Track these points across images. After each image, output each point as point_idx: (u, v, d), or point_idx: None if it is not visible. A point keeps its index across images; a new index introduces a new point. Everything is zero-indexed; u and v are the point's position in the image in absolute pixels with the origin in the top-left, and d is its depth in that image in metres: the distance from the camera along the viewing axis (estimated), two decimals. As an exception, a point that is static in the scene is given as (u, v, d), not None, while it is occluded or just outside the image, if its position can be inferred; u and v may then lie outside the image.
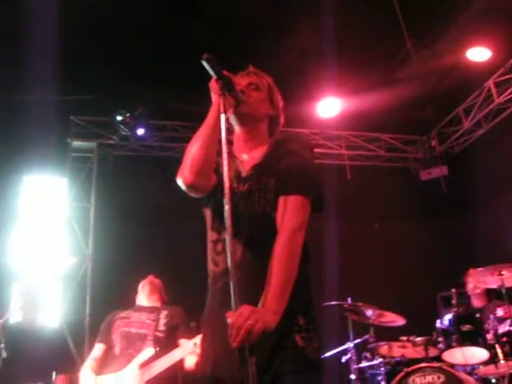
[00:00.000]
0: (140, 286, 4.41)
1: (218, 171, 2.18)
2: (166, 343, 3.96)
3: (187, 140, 2.19)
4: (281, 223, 2.04)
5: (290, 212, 2.05)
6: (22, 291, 4.67)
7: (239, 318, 1.76)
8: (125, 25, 6.00)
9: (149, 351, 3.81)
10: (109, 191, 7.35)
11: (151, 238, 6.85)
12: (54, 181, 7.44)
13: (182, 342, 3.95)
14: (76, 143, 7.65)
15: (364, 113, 7.71)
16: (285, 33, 6.25)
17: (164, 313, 4.15)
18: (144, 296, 4.32)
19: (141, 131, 7.33)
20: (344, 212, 6.93)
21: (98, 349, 4.09)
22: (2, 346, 3.56)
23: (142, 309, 4.22)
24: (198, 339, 3.59)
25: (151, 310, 4.20)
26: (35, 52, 5.68)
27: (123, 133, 7.33)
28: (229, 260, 1.82)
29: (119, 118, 7.11)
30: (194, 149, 2.10)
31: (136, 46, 6.22)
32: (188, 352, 3.74)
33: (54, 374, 4.55)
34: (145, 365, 3.76)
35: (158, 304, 4.31)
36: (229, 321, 1.77)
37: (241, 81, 2.27)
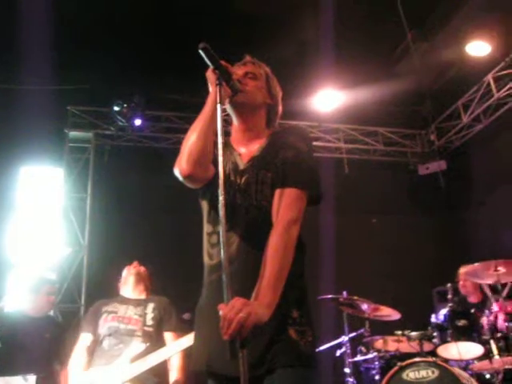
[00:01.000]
0: (124, 274, 4.29)
1: (215, 162, 2.16)
2: (156, 337, 3.92)
3: (183, 131, 2.18)
4: (276, 216, 2.03)
5: (285, 205, 2.03)
6: (18, 280, 4.63)
7: (231, 310, 1.74)
8: (122, 14, 5.97)
9: (139, 346, 3.78)
10: (105, 181, 7.34)
11: (147, 228, 6.84)
12: (51, 171, 7.43)
13: (176, 339, 3.88)
14: (73, 133, 7.63)
15: (362, 106, 7.70)
16: (283, 25, 6.23)
17: (150, 306, 4.06)
18: (129, 288, 4.20)
19: (138, 122, 7.30)
20: (341, 205, 6.92)
21: (86, 339, 4.00)
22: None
23: (127, 301, 4.10)
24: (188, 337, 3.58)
25: (137, 303, 4.09)
26: (32, 42, 5.64)
27: (120, 123, 7.30)
28: (222, 253, 1.81)
29: (116, 108, 7.09)
30: (190, 139, 2.08)
31: (133, 36, 6.18)
32: (183, 347, 3.69)
33: (51, 364, 4.52)
34: (135, 359, 3.72)
35: (143, 295, 4.18)
36: (220, 313, 1.76)
37: (238, 70, 2.25)
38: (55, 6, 5.45)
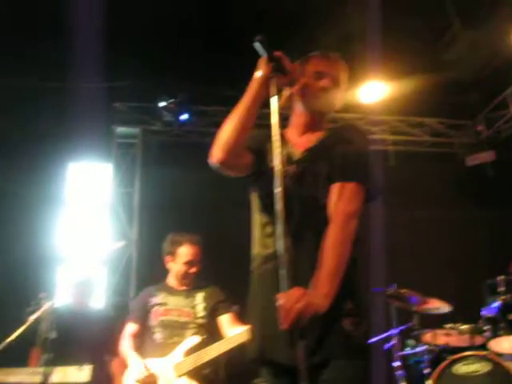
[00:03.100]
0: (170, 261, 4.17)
1: (262, 154, 2.17)
2: (209, 328, 3.94)
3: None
4: (334, 210, 2.04)
5: (344, 199, 2.05)
6: (69, 274, 4.75)
7: (290, 300, 1.76)
8: (169, 10, 6.03)
9: (194, 339, 3.80)
10: (152, 176, 7.44)
11: (193, 223, 6.89)
12: (99, 167, 7.58)
13: (235, 330, 3.82)
14: (120, 129, 7.76)
15: (408, 97, 7.58)
16: (328, 17, 6.18)
17: (200, 296, 4.05)
18: (178, 279, 4.14)
19: (184, 116, 7.36)
20: (388, 198, 6.83)
21: (133, 328, 4.06)
22: (51, 327, 3.64)
23: (176, 292, 4.08)
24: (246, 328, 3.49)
25: (186, 293, 4.07)
26: (80, 40, 5.75)
27: (166, 118, 7.38)
28: (279, 243, 1.82)
29: (162, 103, 7.17)
30: (226, 126, 2.13)
31: (180, 31, 6.24)
32: (243, 340, 3.63)
33: (102, 355, 4.63)
34: (190, 352, 3.76)
35: (191, 285, 4.12)
36: (279, 303, 1.77)
37: (317, 67, 2.24)
38: (102, 6, 5.54)
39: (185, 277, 4.08)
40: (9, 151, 6.67)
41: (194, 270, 4.07)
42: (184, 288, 4.11)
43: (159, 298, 4.06)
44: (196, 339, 3.81)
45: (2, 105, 6.48)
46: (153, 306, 4.03)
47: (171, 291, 4.11)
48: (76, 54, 6.00)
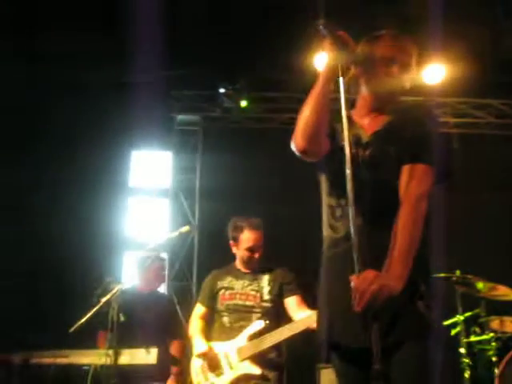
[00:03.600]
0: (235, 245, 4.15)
1: (332, 135, 2.17)
2: (275, 312, 3.93)
3: (288, 111, 2.20)
4: (405, 191, 2.03)
5: (415, 180, 2.04)
6: (141, 258, 4.86)
7: (364, 282, 1.76)
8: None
9: (259, 323, 3.81)
10: (213, 163, 7.52)
11: (255, 209, 6.91)
12: (161, 154, 7.72)
13: (304, 314, 3.78)
14: (181, 117, 7.86)
15: (471, 79, 7.36)
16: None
17: (265, 278, 4.03)
18: (243, 263, 4.13)
19: (243, 103, 7.40)
20: (451, 182, 6.68)
21: (201, 310, 4.14)
22: (120, 310, 3.74)
23: (242, 276, 4.08)
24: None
25: (252, 277, 4.06)
26: (137, 30, 5.82)
27: (226, 105, 7.43)
28: (352, 225, 1.82)
29: (222, 90, 7.22)
30: (305, 113, 2.10)
31: (237, 17, 6.24)
32: (307, 326, 3.60)
33: (165, 337, 4.74)
34: (254, 337, 3.78)
35: (257, 268, 4.11)
36: (352, 284, 1.77)
37: (386, 51, 2.19)
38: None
39: (249, 261, 4.08)
40: (75, 141, 6.86)
41: (257, 255, 4.06)
42: (249, 271, 4.11)
43: (226, 282, 4.09)
44: (261, 324, 3.82)
45: (68, 98, 6.68)
46: (220, 289, 4.07)
47: (237, 275, 4.12)
48: (135, 45, 6.09)
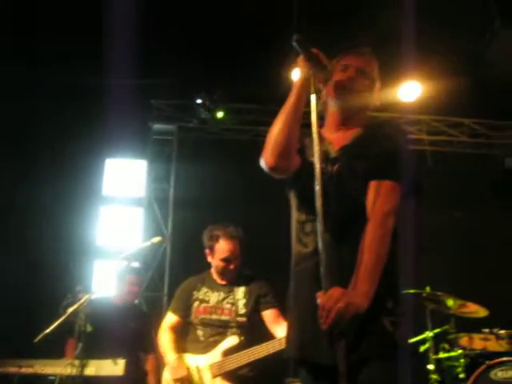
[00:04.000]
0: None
1: (302, 151, 2.17)
2: (251, 327, 3.82)
3: (264, 123, 2.20)
4: (372, 208, 2.03)
5: (382, 197, 2.04)
6: (105, 268, 4.80)
7: (330, 300, 1.75)
8: (204, 10, 6.06)
9: (233, 339, 3.71)
10: (188, 173, 7.50)
11: (228, 220, 6.90)
12: (135, 163, 7.67)
13: (281, 328, 3.63)
14: (157, 126, 7.83)
15: (446, 97, 7.47)
16: (365, 16, 6.13)
17: (241, 291, 3.89)
18: (218, 274, 3.97)
19: (220, 114, 7.41)
20: (425, 199, 6.74)
21: (172, 319, 3.99)
22: (87, 320, 3.68)
23: (218, 288, 3.93)
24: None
25: (228, 289, 3.91)
26: (117, 37, 5.80)
27: (203, 116, 7.43)
28: (319, 240, 1.82)
29: (199, 101, 7.23)
30: (275, 130, 2.10)
31: (214, 30, 6.26)
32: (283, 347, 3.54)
33: (136, 351, 4.67)
34: (228, 353, 3.68)
35: (233, 279, 3.95)
36: (318, 302, 1.76)
37: (348, 61, 2.25)
38: (143, 2, 5.58)
39: (224, 272, 3.93)
40: (48, 147, 6.79)
41: (232, 266, 3.90)
42: (225, 283, 3.96)
43: (201, 293, 3.94)
44: (235, 340, 3.72)
45: (41, 102, 6.61)
46: (194, 300, 3.93)
47: (212, 286, 3.97)
48: (114, 52, 6.06)
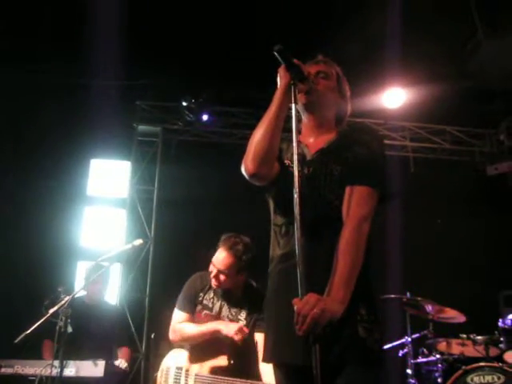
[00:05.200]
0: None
1: (279, 156, 2.20)
2: (244, 349, 3.62)
3: (250, 126, 2.22)
4: (347, 213, 2.05)
5: (357, 202, 2.06)
6: (87, 269, 4.79)
7: (305, 306, 1.78)
8: (190, 12, 6.07)
9: (224, 360, 3.60)
10: (172, 175, 7.49)
11: (213, 222, 6.92)
12: (120, 164, 7.65)
13: None
14: (141, 128, 7.82)
15: (429, 104, 7.54)
16: (350, 22, 6.18)
17: (245, 311, 3.72)
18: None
19: (205, 117, 7.45)
20: (406, 205, 6.81)
21: (181, 317, 3.79)
22: (69, 321, 3.68)
23: (224, 297, 3.77)
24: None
25: (235, 302, 3.75)
26: (103, 38, 5.79)
27: (188, 118, 7.45)
28: (296, 244, 1.85)
29: (184, 103, 7.24)
30: (256, 137, 2.13)
31: (203, 32, 6.28)
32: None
33: (112, 348, 4.70)
34: (216, 371, 3.56)
35: (239, 293, 3.78)
36: (295, 308, 1.79)
37: (309, 69, 2.27)
38: (125, 4, 5.58)
39: (215, 282, 3.72)
40: (32, 148, 6.76)
41: (223, 277, 3.68)
42: (230, 294, 3.78)
43: (206, 298, 3.80)
44: (224, 361, 3.61)
45: (25, 103, 6.58)
46: (199, 302, 3.79)
47: (217, 292, 3.81)
48: (99, 53, 6.06)
